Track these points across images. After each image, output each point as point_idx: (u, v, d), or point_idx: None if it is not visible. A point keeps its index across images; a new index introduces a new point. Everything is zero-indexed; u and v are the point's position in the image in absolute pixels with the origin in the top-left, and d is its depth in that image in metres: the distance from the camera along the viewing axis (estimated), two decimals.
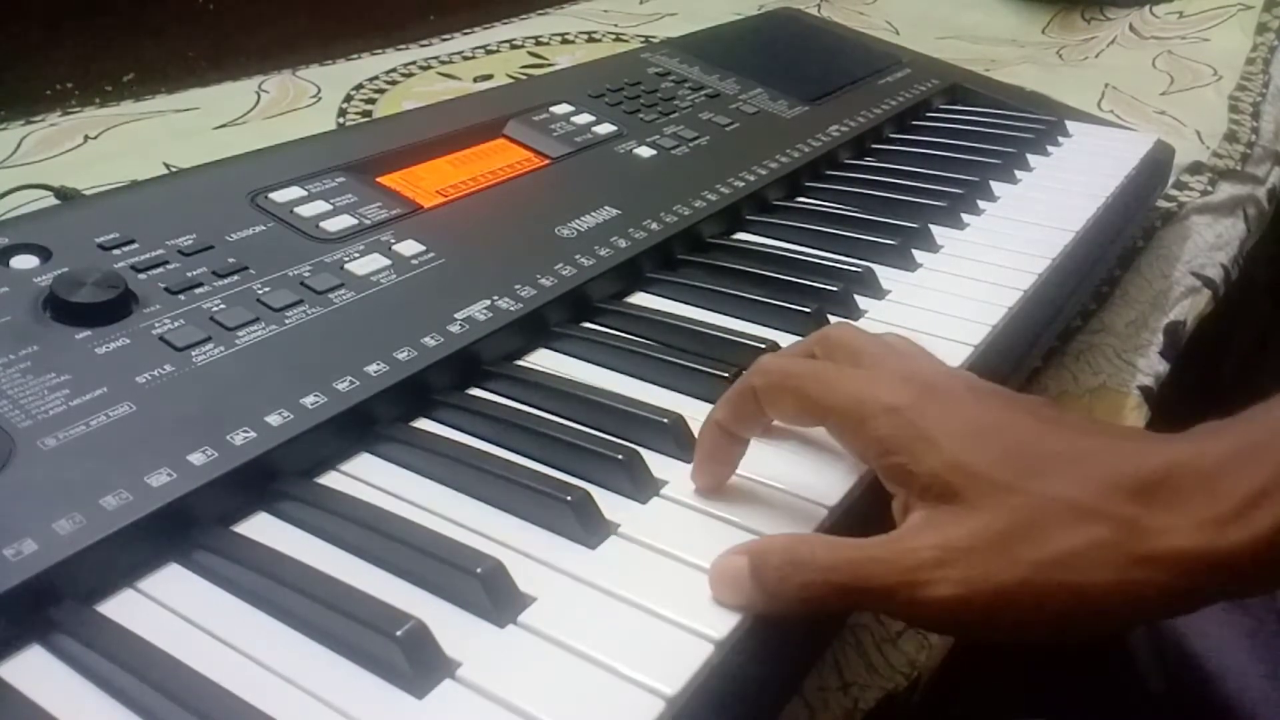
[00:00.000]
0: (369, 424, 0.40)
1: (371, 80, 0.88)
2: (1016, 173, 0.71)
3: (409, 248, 0.48)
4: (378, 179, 0.53)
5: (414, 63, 0.93)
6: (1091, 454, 0.31)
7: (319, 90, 0.85)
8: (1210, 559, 0.28)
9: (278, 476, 0.37)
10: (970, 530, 0.30)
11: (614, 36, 1.07)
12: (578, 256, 0.51)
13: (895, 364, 0.35)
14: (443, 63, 0.95)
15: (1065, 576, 0.29)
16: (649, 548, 0.35)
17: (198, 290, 0.42)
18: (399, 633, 0.29)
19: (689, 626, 0.32)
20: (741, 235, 0.61)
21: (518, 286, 0.47)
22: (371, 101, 0.84)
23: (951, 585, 0.29)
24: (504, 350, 0.46)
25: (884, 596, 0.30)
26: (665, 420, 0.40)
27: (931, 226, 0.60)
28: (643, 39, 1.05)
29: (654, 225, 0.55)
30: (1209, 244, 0.81)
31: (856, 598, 0.31)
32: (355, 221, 0.49)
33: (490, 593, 0.32)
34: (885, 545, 0.31)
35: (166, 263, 0.43)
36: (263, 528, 0.36)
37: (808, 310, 0.50)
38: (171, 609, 0.32)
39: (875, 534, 0.32)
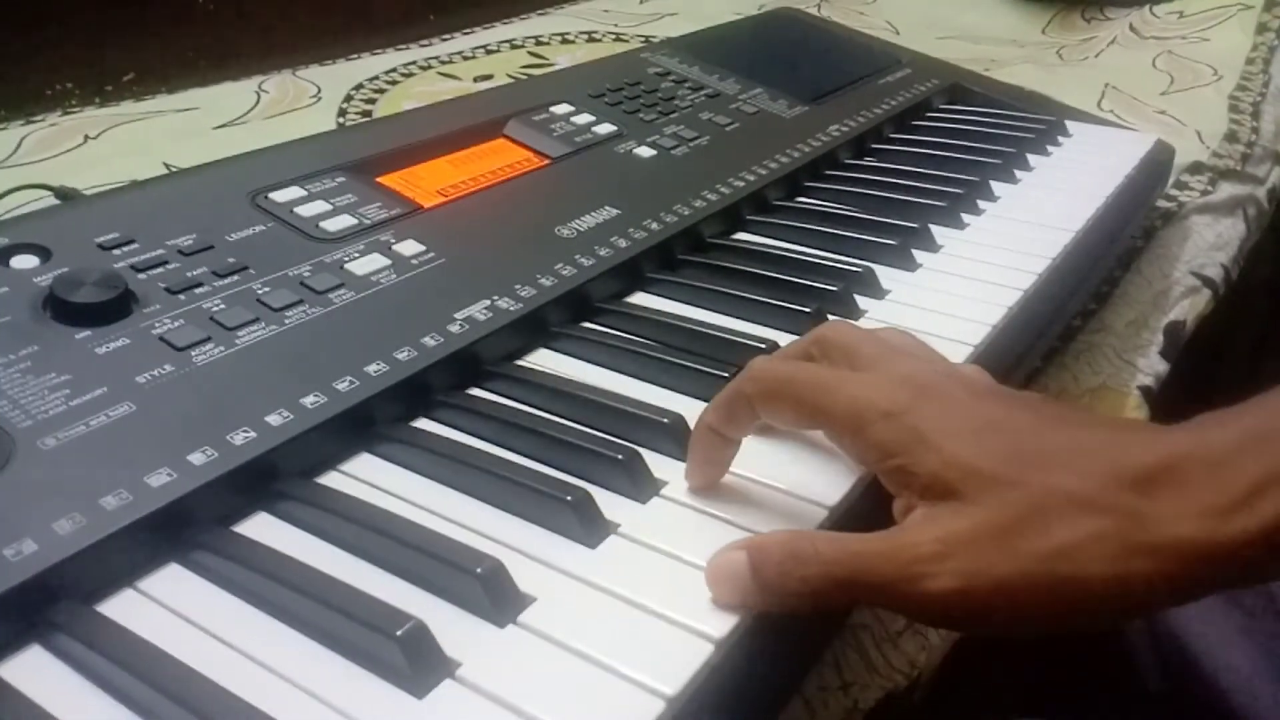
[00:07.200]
0: (369, 424, 0.40)
1: (371, 80, 0.88)
2: (1016, 173, 0.71)
3: (409, 248, 0.48)
4: (378, 179, 0.53)
5: (414, 63, 0.93)
6: (1091, 446, 0.31)
7: (319, 90, 0.85)
8: (1212, 548, 0.28)
9: (278, 476, 0.37)
10: (970, 523, 0.30)
11: (614, 36, 1.07)
12: (578, 256, 0.51)
13: (892, 365, 0.35)
14: (443, 63, 0.95)
15: (1065, 568, 0.29)
16: (649, 547, 0.35)
17: (198, 290, 0.42)
18: (399, 633, 0.29)
19: (689, 626, 0.32)
20: (741, 235, 0.61)
21: (518, 286, 0.47)
22: (371, 101, 0.84)
23: (951, 577, 0.29)
24: (504, 350, 0.46)
25: (884, 589, 0.31)
26: (665, 420, 0.40)
27: (931, 226, 0.60)
28: (643, 39, 1.05)
29: (654, 225, 0.55)
30: (1209, 244, 0.80)
31: (857, 592, 0.31)
32: (355, 221, 0.49)
33: (490, 592, 0.32)
34: (886, 539, 0.31)
35: (166, 263, 0.43)
36: (263, 528, 0.36)
37: (808, 310, 0.50)
38: (171, 609, 0.32)
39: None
